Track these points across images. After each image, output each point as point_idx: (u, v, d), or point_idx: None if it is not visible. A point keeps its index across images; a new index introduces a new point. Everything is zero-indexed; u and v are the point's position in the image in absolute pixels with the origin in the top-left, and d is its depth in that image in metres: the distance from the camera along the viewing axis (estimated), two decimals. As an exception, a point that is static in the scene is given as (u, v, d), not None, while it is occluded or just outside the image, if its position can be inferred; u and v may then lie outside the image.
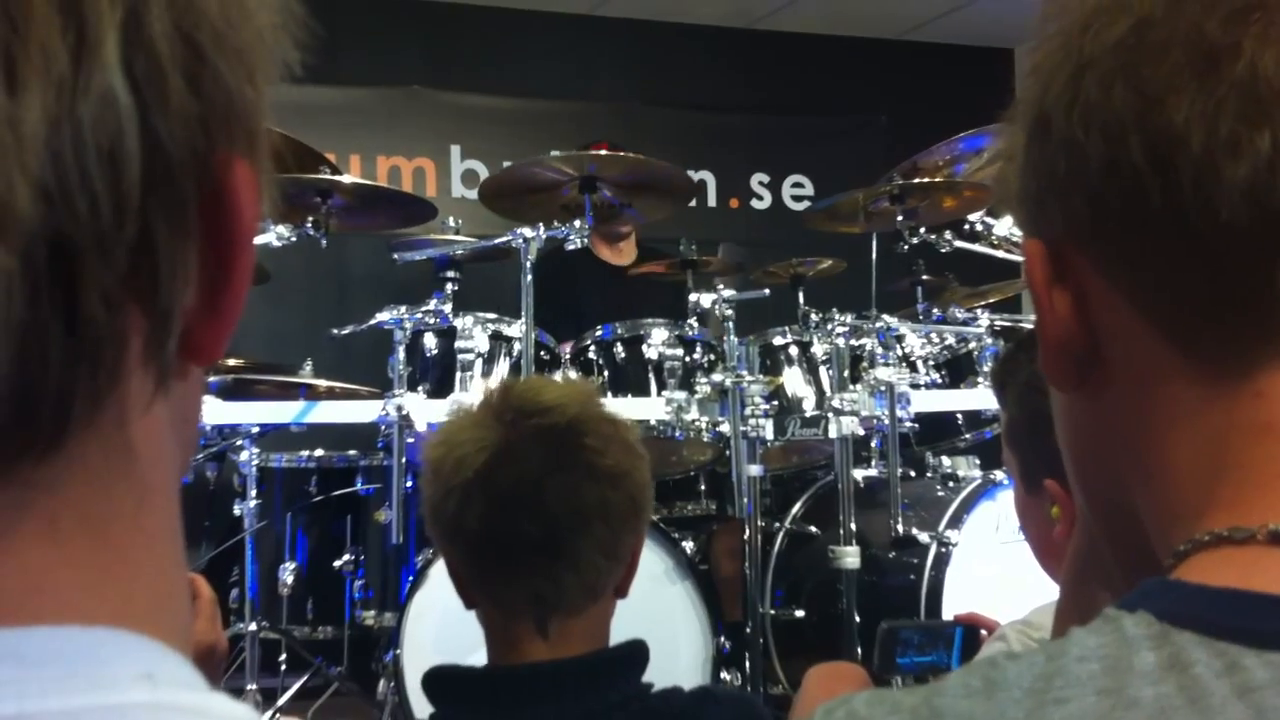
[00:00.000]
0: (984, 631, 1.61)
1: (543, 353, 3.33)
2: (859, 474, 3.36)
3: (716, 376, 3.22)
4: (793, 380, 3.45)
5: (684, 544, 3.11)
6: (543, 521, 1.27)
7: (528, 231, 3.16)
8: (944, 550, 3.06)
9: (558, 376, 3.28)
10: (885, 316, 3.37)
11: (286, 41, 0.41)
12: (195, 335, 0.39)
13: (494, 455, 1.28)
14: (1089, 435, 0.62)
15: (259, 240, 3.03)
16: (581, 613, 1.30)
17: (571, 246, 3.23)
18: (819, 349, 3.43)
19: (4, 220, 0.33)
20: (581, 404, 1.33)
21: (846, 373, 3.29)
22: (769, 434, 3.22)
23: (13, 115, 0.33)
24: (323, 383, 3.54)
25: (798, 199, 6.05)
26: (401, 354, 3.12)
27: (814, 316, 3.48)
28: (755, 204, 6.05)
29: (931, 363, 3.63)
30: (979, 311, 3.78)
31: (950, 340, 3.66)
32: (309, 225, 3.13)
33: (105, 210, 0.35)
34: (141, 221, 0.36)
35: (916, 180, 3.44)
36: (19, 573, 0.36)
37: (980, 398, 3.45)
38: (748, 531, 3.23)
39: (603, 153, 3.49)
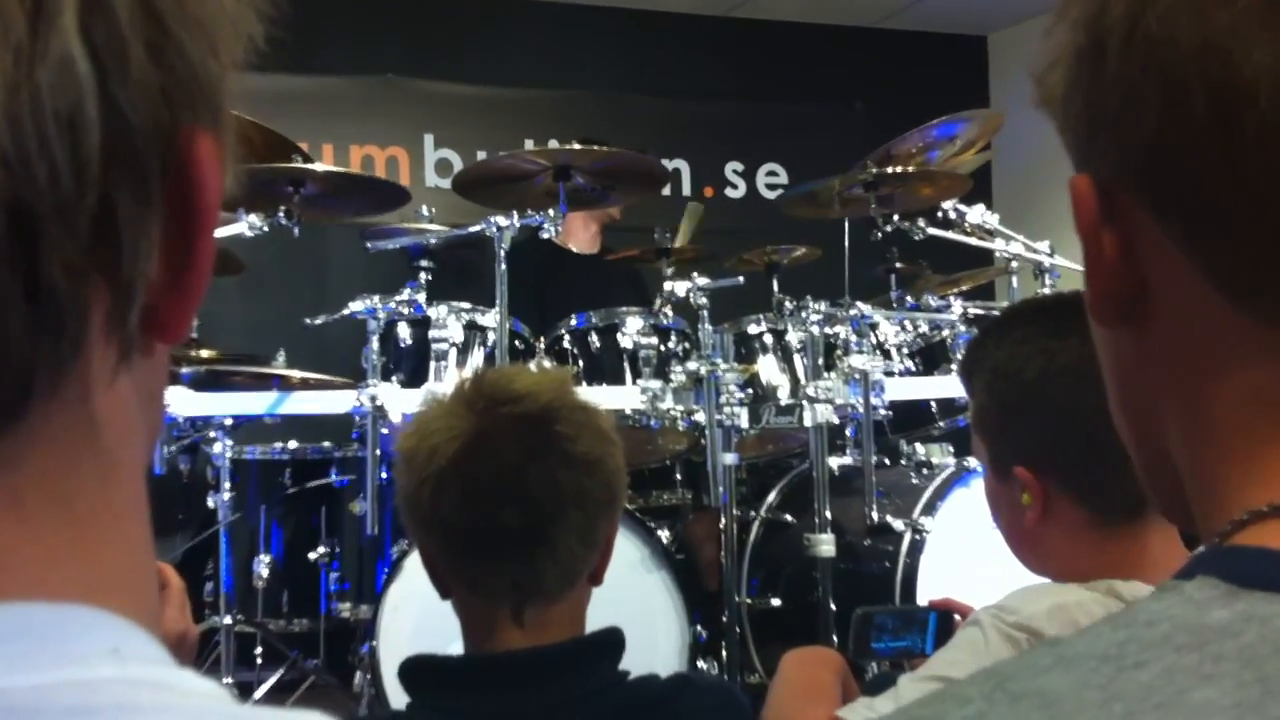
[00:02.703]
0: (958, 616, 1.62)
1: (517, 342, 3.32)
2: (834, 462, 3.36)
3: (691, 365, 3.23)
4: (767, 368, 3.45)
5: (660, 533, 3.11)
6: (521, 509, 1.27)
7: (502, 220, 3.15)
8: (918, 537, 3.08)
9: (531, 365, 3.28)
10: (859, 304, 3.38)
11: (251, 16, 0.40)
12: (160, 310, 0.39)
13: (467, 444, 1.28)
14: (1130, 373, 0.61)
15: (232, 230, 3.01)
16: (558, 600, 1.31)
17: (546, 234, 3.22)
18: (793, 337, 3.44)
19: None
20: (554, 391, 1.33)
21: (821, 361, 3.30)
22: (744, 422, 3.23)
23: None
24: (296, 373, 3.52)
25: (772, 188, 6.05)
26: (375, 344, 3.11)
27: (788, 304, 3.49)
28: (730, 193, 6.05)
29: (905, 350, 3.64)
30: (952, 299, 3.80)
31: (924, 328, 3.68)
32: (281, 215, 3.11)
33: (65, 178, 0.34)
34: (103, 191, 0.35)
35: (890, 168, 3.45)
36: None
37: (954, 385, 3.46)
38: (723, 520, 3.24)
39: (575, 146, 3.48)
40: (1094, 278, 0.57)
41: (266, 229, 3.10)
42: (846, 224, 3.61)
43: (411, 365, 3.24)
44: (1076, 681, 0.46)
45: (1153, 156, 0.52)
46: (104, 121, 0.35)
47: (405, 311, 3.23)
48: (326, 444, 3.58)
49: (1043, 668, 0.48)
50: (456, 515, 1.29)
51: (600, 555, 1.34)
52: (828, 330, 3.36)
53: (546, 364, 3.31)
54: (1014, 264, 3.60)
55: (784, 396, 3.41)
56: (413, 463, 1.31)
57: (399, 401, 3.05)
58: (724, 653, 3.19)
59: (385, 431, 3.05)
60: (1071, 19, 0.55)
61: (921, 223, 3.47)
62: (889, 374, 3.37)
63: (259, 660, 3.46)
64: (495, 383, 1.34)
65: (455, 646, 1.36)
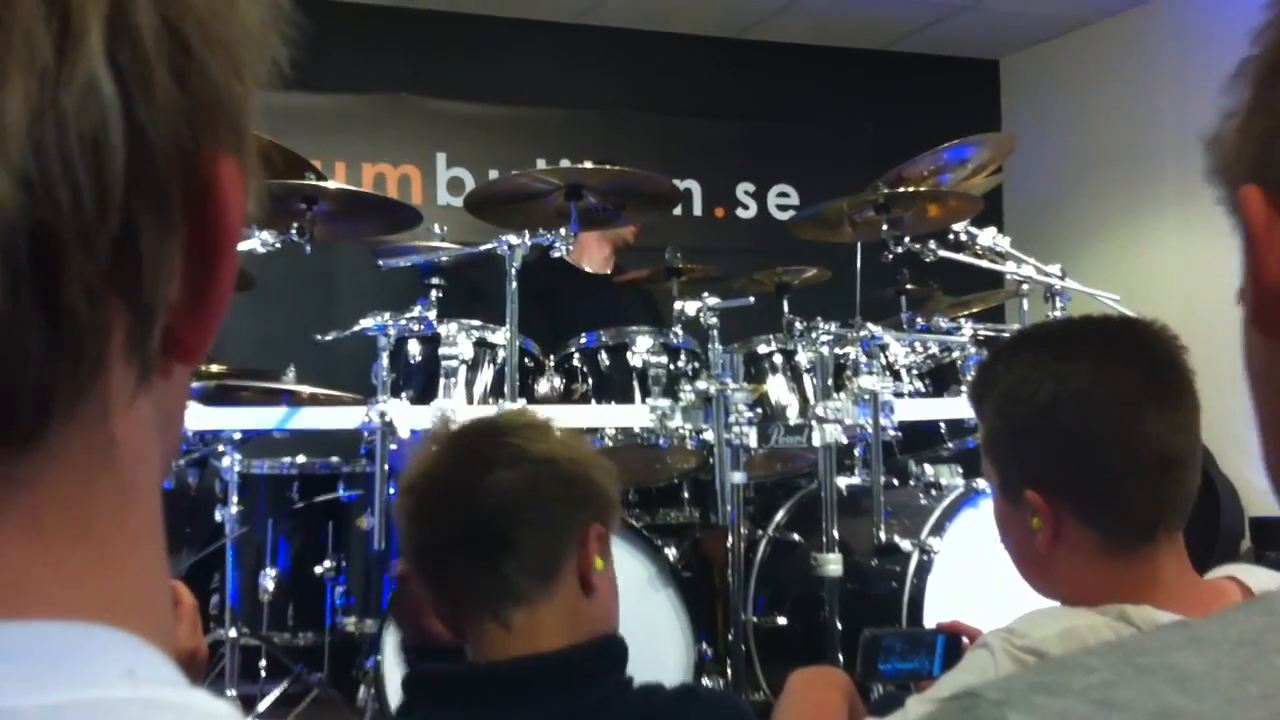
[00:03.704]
0: (966, 639, 1.62)
1: (527, 360, 3.32)
2: (842, 482, 3.36)
3: (701, 384, 3.22)
4: (777, 388, 3.45)
5: (667, 551, 3.11)
6: (466, 516, 1.32)
7: (513, 238, 3.15)
8: (926, 558, 3.07)
9: (542, 383, 3.29)
10: (869, 325, 3.38)
11: (275, 38, 0.40)
12: (179, 332, 0.39)
13: (420, 474, 1.36)
14: None
15: (244, 246, 3.02)
16: (539, 602, 1.32)
17: (557, 253, 3.23)
18: (803, 357, 3.44)
19: None
20: (511, 415, 1.43)
21: (830, 381, 3.29)
22: (753, 441, 3.22)
23: None
24: (306, 389, 3.53)
25: (783, 208, 6.06)
26: (385, 360, 3.11)
27: (798, 325, 3.48)
28: (741, 213, 6.06)
29: (915, 371, 3.64)
30: (962, 321, 3.80)
31: (934, 349, 3.67)
32: (294, 231, 3.12)
33: (88, 201, 0.35)
34: (125, 214, 0.36)
35: (902, 189, 3.45)
36: (0, 567, 0.36)
37: (963, 407, 3.46)
38: (731, 539, 3.23)
39: (587, 165, 3.49)
40: (1263, 280, 0.56)
41: (279, 245, 3.11)
42: (858, 245, 3.61)
43: (421, 382, 3.24)
44: (1211, 662, 0.46)
45: None
46: (128, 145, 0.35)
47: (416, 328, 3.24)
48: (335, 459, 3.58)
49: (1174, 645, 0.48)
50: (418, 540, 1.37)
51: (577, 555, 1.35)
52: (837, 351, 3.36)
53: (556, 381, 3.32)
54: (1024, 287, 3.60)
55: (793, 416, 3.41)
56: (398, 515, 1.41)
57: (408, 418, 3.05)
58: (729, 671, 3.18)
59: (394, 447, 3.05)
60: (1250, 67, 0.57)
61: (932, 245, 3.46)
62: (898, 395, 3.36)
63: (263, 673, 3.46)
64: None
65: (457, 662, 1.38)
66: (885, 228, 3.38)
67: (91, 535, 0.38)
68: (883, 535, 3.17)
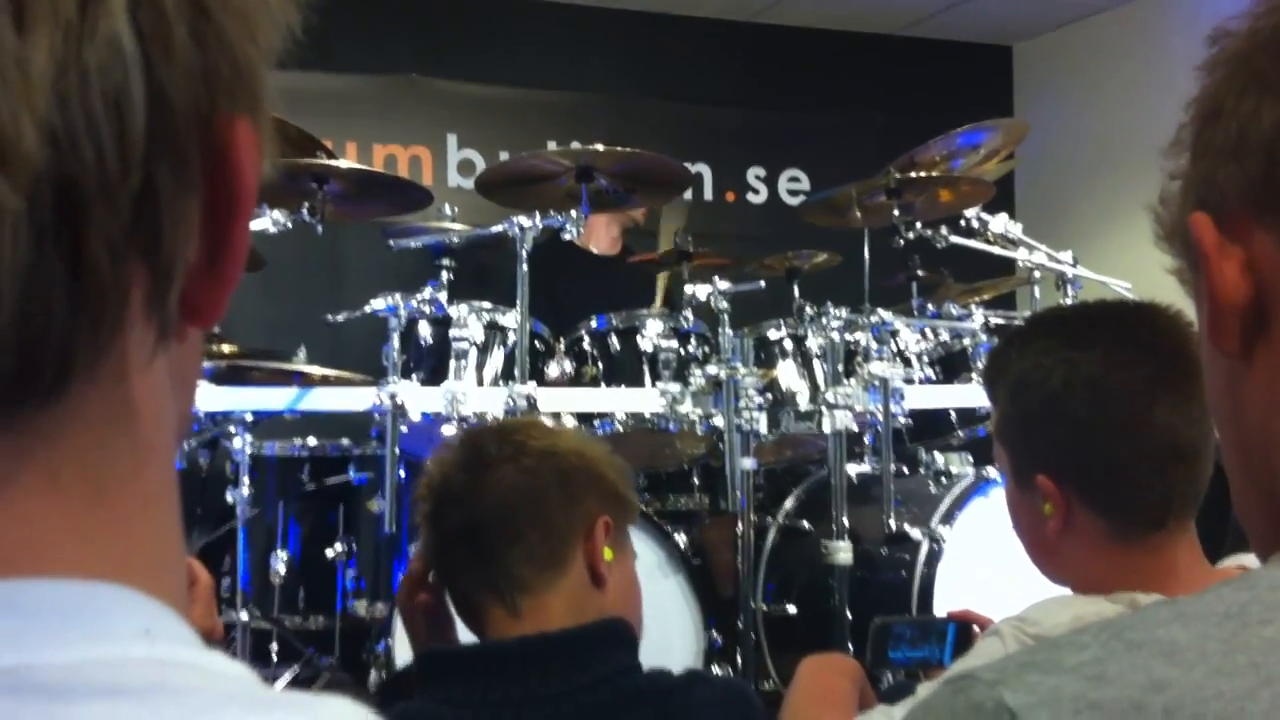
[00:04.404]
0: (977, 628, 1.61)
1: (537, 343, 3.32)
2: (852, 469, 3.35)
3: (711, 369, 3.22)
4: (787, 374, 3.45)
5: (676, 537, 3.11)
6: (470, 513, 1.36)
7: (524, 220, 3.15)
8: (936, 546, 3.06)
9: (552, 366, 3.29)
10: (880, 311, 3.37)
11: (289, 5, 0.41)
12: (195, 294, 0.40)
13: (431, 478, 1.43)
14: (1245, 399, 0.61)
15: (255, 226, 3.02)
16: (544, 589, 1.35)
17: (568, 236, 3.22)
18: (813, 343, 3.43)
19: (11, 158, 0.33)
20: (521, 417, 1.48)
21: (841, 367, 3.29)
22: (763, 428, 3.22)
23: (21, 55, 0.33)
24: (316, 370, 3.52)
25: (794, 193, 6.04)
26: (396, 342, 3.11)
27: (809, 310, 3.48)
28: (751, 198, 6.05)
29: (926, 359, 3.63)
30: (974, 308, 3.79)
31: (945, 336, 3.66)
32: (305, 211, 3.11)
33: (111, 157, 0.35)
34: (145, 172, 0.36)
35: (913, 174, 3.44)
36: (18, 523, 0.36)
37: (974, 394, 3.45)
38: (740, 526, 3.23)
39: (598, 147, 3.47)
40: (1216, 300, 0.58)
41: (290, 225, 3.11)
42: (867, 231, 3.60)
43: (432, 364, 3.24)
44: (1198, 634, 0.48)
45: (1269, 164, 0.55)
46: (148, 103, 0.35)
47: (426, 310, 3.23)
48: (345, 441, 3.58)
49: (1161, 620, 0.49)
50: (430, 537, 1.43)
51: (585, 546, 1.38)
52: (848, 336, 3.35)
53: (566, 364, 3.31)
54: (1036, 274, 3.59)
55: (803, 402, 3.41)
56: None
57: (418, 399, 3.06)
58: (739, 659, 3.18)
59: (404, 430, 3.05)
60: (1186, 130, 0.61)
61: (944, 231, 3.45)
62: (909, 382, 3.36)
63: (274, 657, 3.46)
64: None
65: (467, 645, 1.42)
66: (897, 213, 3.37)
67: (107, 494, 0.38)
68: (893, 523, 3.16)
